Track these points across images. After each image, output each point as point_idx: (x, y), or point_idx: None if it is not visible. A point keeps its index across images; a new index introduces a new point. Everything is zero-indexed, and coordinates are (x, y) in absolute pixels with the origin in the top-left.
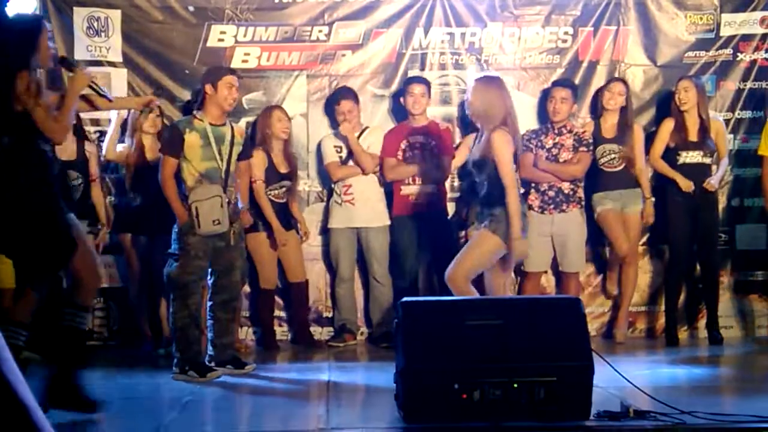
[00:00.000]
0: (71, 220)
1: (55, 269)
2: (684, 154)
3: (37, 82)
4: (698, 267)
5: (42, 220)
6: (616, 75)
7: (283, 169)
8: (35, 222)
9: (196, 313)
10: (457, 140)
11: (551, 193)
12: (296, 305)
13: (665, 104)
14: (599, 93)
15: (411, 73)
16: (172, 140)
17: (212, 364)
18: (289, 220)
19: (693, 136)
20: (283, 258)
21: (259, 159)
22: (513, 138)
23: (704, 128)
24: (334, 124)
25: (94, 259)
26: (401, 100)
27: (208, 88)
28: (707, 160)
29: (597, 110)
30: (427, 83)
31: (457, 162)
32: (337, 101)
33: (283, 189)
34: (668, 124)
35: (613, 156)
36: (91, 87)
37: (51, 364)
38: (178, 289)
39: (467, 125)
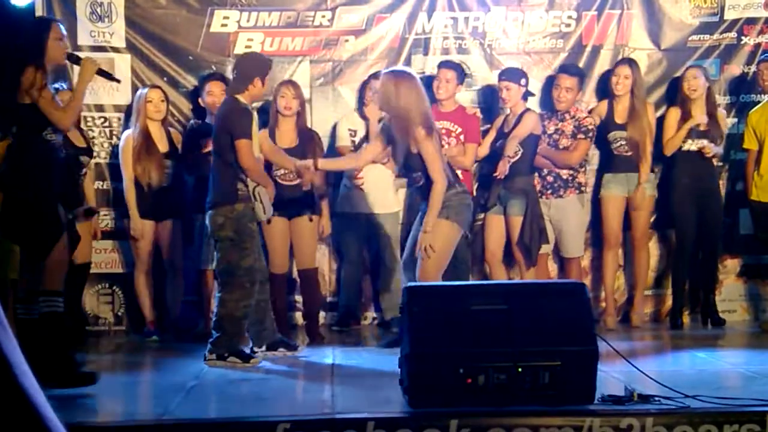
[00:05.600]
0: (60, 210)
1: (41, 256)
2: (689, 141)
3: (42, 76)
4: (700, 252)
5: (34, 208)
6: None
7: (286, 144)
8: (29, 208)
9: (254, 302)
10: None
11: (550, 179)
12: (305, 295)
13: (672, 89)
14: (608, 78)
15: (414, 59)
16: (249, 124)
17: (263, 349)
18: (302, 206)
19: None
20: (294, 245)
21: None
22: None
23: (712, 117)
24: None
25: (65, 248)
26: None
27: (257, 81)
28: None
29: (608, 95)
30: (456, 68)
31: (482, 149)
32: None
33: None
34: (675, 113)
35: (623, 143)
36: (99, 73)
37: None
38: (246, 276)
39: (488, 111)
